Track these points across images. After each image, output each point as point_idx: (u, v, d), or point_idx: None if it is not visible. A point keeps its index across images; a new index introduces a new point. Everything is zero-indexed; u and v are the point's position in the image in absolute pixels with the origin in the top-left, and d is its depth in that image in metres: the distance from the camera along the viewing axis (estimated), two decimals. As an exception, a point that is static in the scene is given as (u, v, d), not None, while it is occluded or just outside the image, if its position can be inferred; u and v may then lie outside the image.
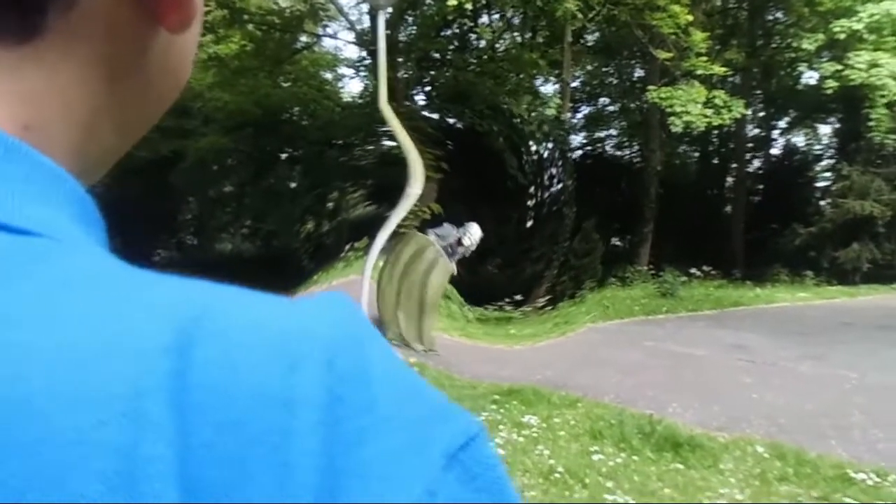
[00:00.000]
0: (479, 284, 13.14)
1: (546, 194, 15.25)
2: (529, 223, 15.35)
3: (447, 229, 8.70)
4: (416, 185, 7.77)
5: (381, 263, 8.58)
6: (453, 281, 12.26)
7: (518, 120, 14.65)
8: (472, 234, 8.44)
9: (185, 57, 0.37)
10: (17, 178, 0.27)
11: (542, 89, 18.16)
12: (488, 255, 14.48)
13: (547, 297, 13.84)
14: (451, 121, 15.42)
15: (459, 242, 8.44)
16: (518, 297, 13.20)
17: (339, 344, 0.25)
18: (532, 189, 15.14)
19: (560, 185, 15.15)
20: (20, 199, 0.26)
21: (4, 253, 0.24)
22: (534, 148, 15.21)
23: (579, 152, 21.69)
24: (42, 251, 0.25)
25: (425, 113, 15.53)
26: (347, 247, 13.25)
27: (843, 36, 14.62)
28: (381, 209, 12.74)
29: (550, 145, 15.33)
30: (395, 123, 7.84)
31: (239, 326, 0.25)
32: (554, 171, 15.32)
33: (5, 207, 0.26)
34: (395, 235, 8.44)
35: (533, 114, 14.95)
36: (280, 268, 16.33)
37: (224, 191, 22.32)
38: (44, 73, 0.29)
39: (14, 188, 0.26)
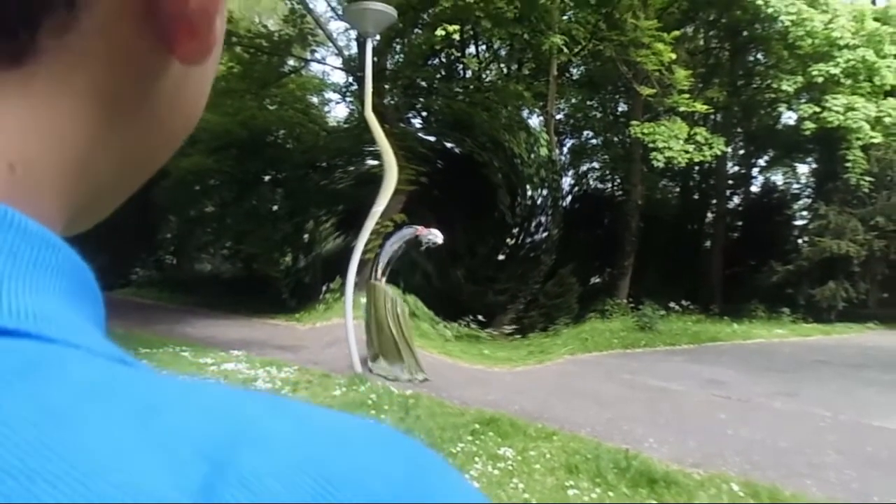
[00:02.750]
0: (448, 294, 13.19)
1: (528, 240, 15.40)
2: (501, 257, 15.44)
3: (405, 230, 8.87)
4: (382, 201, 7.88)
5: (361, 300, 8.70)
6: (420, 291, 12.37)
7: (518, 161, 14.77)
8: (434, 235, 8.56)
9: (201, 92, 0.33)
10: (2, 255, 0.22)
11: (529, 122, 18.36)
12: (458, 261, 14.55)
13: (514, 327, 13.88)
14: (450, 145, 15.53)
15: (416, 239, 8.64)
16: (481, 318, 13.26)
17: (394, 494, 0.21)
18: (515, 230, 15.27)
19: (545, 234, 15.27)
20: (7, 286, 0.21)
21: None
22: (529, 193, 15.35)
23: (569, 197, 21.91)
24: (31, 361, 0.20)
25: (421, 135, 15.63)
26: (324, 288, 13.25)
27: (820, 79, 15.01)
28: (348, 238, 12.76)
29: (545, 192, 15.46)
30: (377, 130, 7.94)
31: (270, 474, 0.20)
32: (543, 219, 15.45)
33: None
34: (363, 266, 8.52)
35: (531, 154, 15.06)
36: (258, 290, 16.23)
37: (205, 211, 22.18)
38: (33, 104, 0.25)
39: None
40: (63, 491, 0.17)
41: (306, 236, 15.84)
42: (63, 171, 0.27)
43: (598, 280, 21.15)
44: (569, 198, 21.79)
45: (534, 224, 15.53)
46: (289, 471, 0.20)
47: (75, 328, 0.23)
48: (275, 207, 18.68)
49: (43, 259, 0.23)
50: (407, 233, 8.75)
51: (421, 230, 8.66)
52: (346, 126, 18.57)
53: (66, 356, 0.21)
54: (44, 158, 0.26)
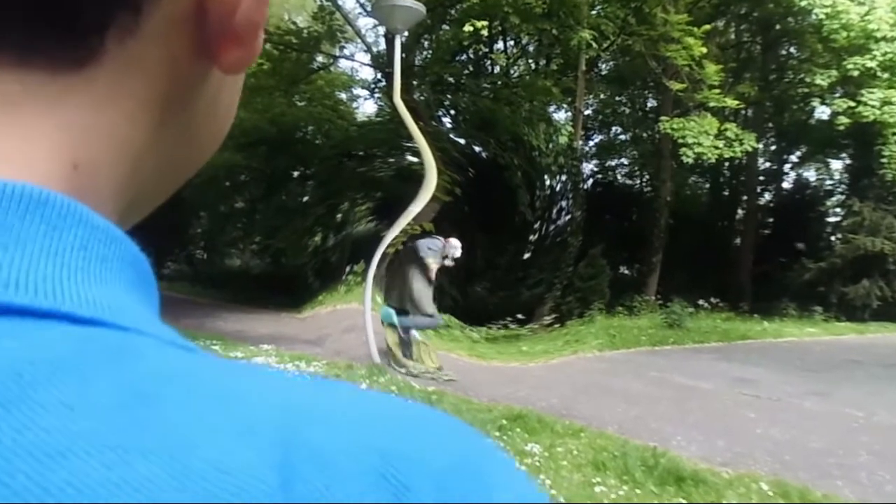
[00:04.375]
0: (472, 307, 13.25)
1: (551, 227, 15.34)
2: (527, 255, 15.40)
3: (436, 242, 8.74)
4: (421, 200, 7.88)
5: (377, 299, 8.75)
6: (447, 307, 12.46)
7: (536, 153, 14.72)
8: (454, 247, 8.53)
9: (233, 101, 0.34)
10: (74, 249, 0.23)
11: (555, 116, 18.28)
12: (476, 277, 14.57)
13: (554, 316, 13.87)
14: (477, 149, 15.52)
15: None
16: (520, 316, 13.26)
17: (454, 469, 0.23)
18: (537, 224, 15.23)
19: (568, 217, 15.22)
20: (80, 278, 0.22)
21: (81, 352, 0.20)
22: (548, 182, 15.29)
23: (590, 181, 21.76)
24: (113, 348, 0.21)
25: (453, 136, 15.64)
26: (347, 269, 13.34)
27: (856, 73, 14.69)
28: (380, 226, 12.79)
29: (564, 178, 15.40)
30: (408, 119, 7.93)
31: (339, 451, 0.21)
32: (564, 203, 15.40)
33: (69, 291, 0.22)
34: (384, 258, 8.53)
35: (549, 144, 14.99)
36: (288, 285, 16.39)
37: (235, 207, 22.47)
38: (95, 105, 0.26)
39: (73, 263, 0.23)
40: (155, 462, 0.18)
41: (339, 216, 15.90)
42: (118, 173, 0.28)
43: (626, 271, 21.03)
44: (590, 181, 21.67)
45: (555, 210, 15.48)
46: (356, 448, 0.22)
47: (142, 317, 0.24)
48: (305, 200, 18.85)
49: (110, 252, 0.24)
50: (437, 245, 8.56)
51: (448, 243, 8.59)
52: (380, 119, 18.63)
53: (141, 344, 0.22)
54: (103, 159, 0.26)
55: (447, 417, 0.26)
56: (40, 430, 0.18)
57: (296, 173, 19.87)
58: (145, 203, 0.33)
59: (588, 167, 21.48)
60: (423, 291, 8.41)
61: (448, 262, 8.60)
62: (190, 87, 0.29)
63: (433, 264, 8.42)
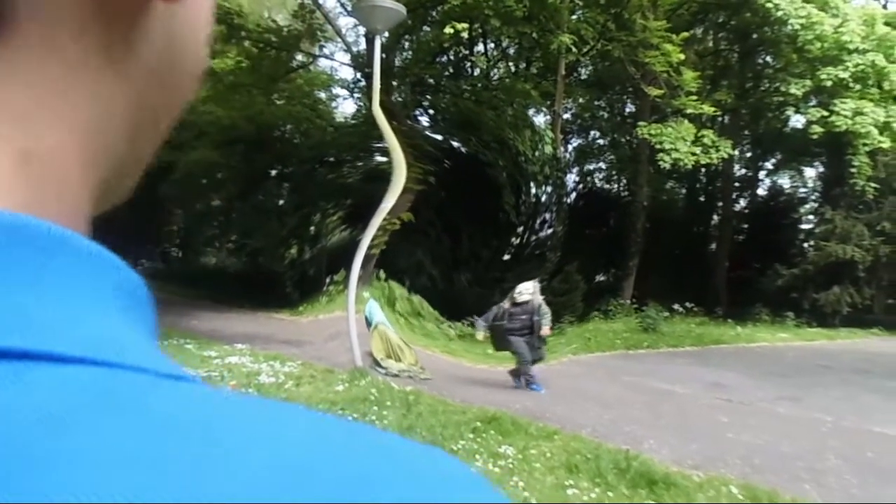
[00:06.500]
0: (453, 296, 13.25)
1: (533, 237, 15.42)
2: (506, 257, 15.45)
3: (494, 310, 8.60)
4: (391, 197, 7.88)
5: (364, 294, 8.73)
6: (426, 293, 12.42)
7: (523, 158, 14.78)
8: (525, 289, 8.36)
9: (197, 35, 0.30)
10: (61, 280, 0.20)
11: (535, 120, 18.38)
12: (461, 265, 14.60)
13: None
14: (456, 144, 15.54)
15: (514, 304, 8.29)
16: None
17: None
18: (521, 229, 15.28)
19: (550, 230, 15.30)
20: (68, 312, 0.20)
21: (71, 404, 0.17)
22: (533, 190, 15.36)
23: (573, 194, 21.85)
24: (107, 394, 0.18)
25: (429, 133, 15.63)
26: (328, 280, 13.30)
27: (829, 83, 14.96)
28: (355, 232, 12.77)
29: (549, 189, 15.48)
30: (385, 126, 7.93)
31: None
32: (548, 216, 15.47)
33: (55, 329, 0.19)
34: (368, 260, 8.52)
35: (535, 152, 15.07)
36: (264, 284, 16.28)
37: (212, 205, 22.28)
38: (26, 76, 0.22)
39: (61, 297, 0.20)
40: None
41: (312, 228, 15.88)
42: (79, 149, 0.24)
43: (602, 278, 21.16)
44: (573, 195, 21.81)
45: (538, 221, 15.57)
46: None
47: (138, 349, 0.21)
48: (281, 202, 18.76)
49: (101, 280, 0.22)
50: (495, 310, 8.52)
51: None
52: (354, 122, 18.60)
53: (139, 385, 0.19)
54: (57, 135, 0.23)
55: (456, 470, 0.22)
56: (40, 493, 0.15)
57: (273, 172, 19.76)
58: (126, 167, 0.29)
59: (570, 178, 21.59)
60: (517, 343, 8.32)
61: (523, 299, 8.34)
62: (128, 24, 0.26)
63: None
